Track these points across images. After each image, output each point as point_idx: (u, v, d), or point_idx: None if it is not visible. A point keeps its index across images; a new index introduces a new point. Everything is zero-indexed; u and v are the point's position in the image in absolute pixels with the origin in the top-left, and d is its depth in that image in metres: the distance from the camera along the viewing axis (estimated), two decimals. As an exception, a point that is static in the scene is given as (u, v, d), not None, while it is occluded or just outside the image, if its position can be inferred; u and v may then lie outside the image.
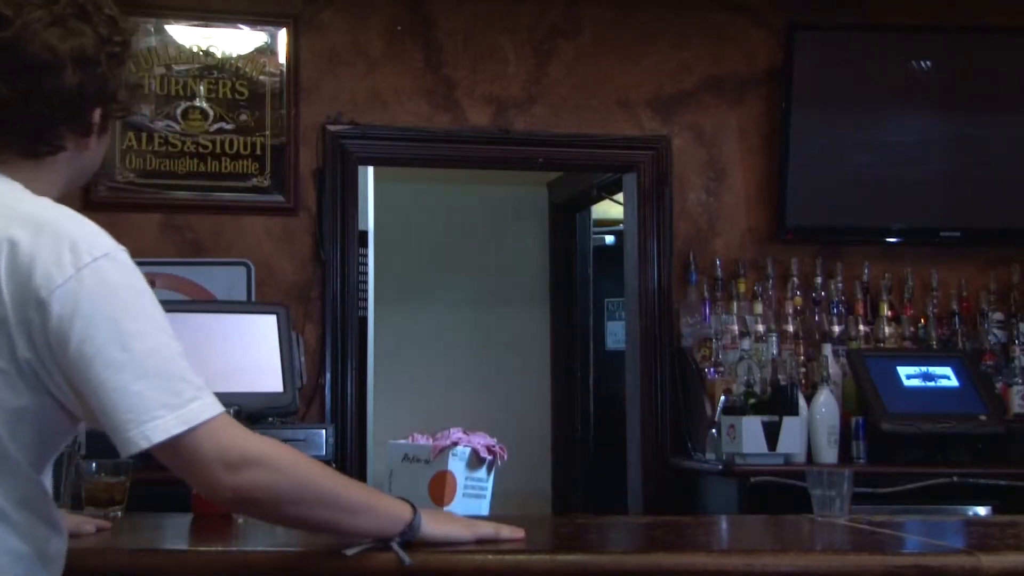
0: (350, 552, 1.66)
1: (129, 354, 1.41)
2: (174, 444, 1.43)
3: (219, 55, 4.26)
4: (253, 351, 3.79)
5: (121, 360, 1.41)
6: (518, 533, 1.83)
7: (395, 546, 1.65)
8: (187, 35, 4.25)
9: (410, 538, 1.66)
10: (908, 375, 4.00)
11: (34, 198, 1.50)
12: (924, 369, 4.01)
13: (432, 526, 1.70)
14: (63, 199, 1.55)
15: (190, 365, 1.46)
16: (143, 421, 1.41)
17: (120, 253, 1.46)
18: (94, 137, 1.58)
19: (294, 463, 1.53)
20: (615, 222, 5.77)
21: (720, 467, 3.83)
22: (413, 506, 1.68)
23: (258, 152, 4.26)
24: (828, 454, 3.85)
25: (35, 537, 1.47)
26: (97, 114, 1.56)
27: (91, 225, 1.47)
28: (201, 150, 4.23)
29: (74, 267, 1.41)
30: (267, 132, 4.27)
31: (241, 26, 4.29)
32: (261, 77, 4.28)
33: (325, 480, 1.57)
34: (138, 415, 1.41)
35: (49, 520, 1.51)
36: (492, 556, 1.73)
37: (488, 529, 1.80)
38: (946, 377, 4.02)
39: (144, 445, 1.41)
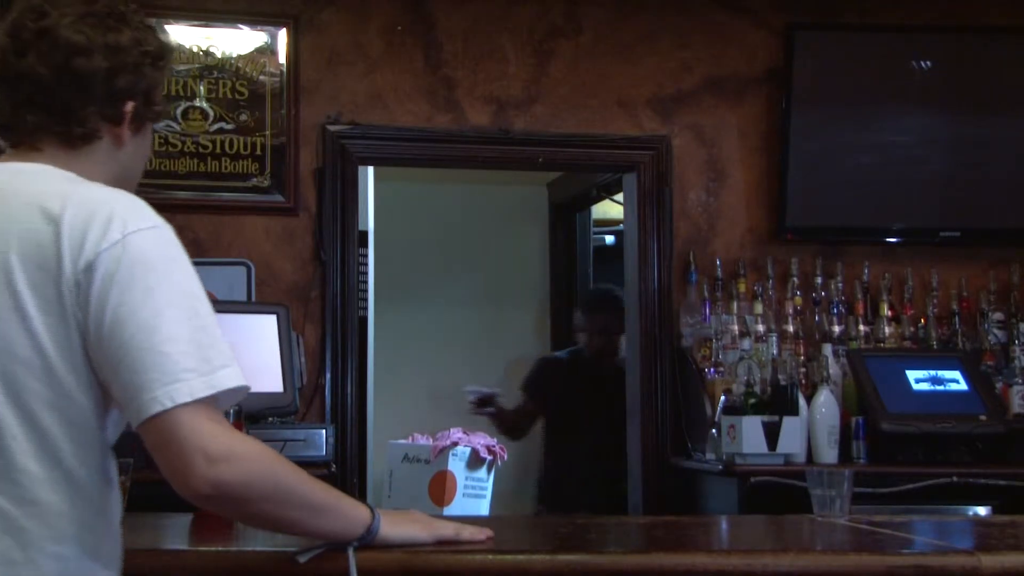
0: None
1: (161, 319, 1.47)
2: (172, 419, 1.45)
3: (219, 55, 4.26)
4: (253, 351, 3.79)
5: (153, 323, 1.47)
6: (481, 534, 1.79)
7: (350, 555, 1.62)
8: (187, 35, 4.25)
9: (368, 541, 1.64)
10: (917, 379, 4.00)
11: (88, 182, 1.59)
12: (933, 373, 4.01)
13: (390, 528, 1.67)
14: None
15: (222, 337, 1.53)
16: (169, 382, 1.45)
17: (166, 229, 1.56)
18: (128, 131, 1.65)
19: (268, 460, 1.54)
20: (615, 222, 5.76)
21: (720, 467, 3.82)
22: (371, 508, 1.67)
23: (258, 152, 4.26)
24: (828, 454, 3.85)
25: (95, 495, 1.53)
26: (130, 106, 1.64)
27: (142, 203, 1.57)
28: (201, 150, 4.23)
29: (121, 233, 1.50)
30: (267, 132, 4.27)
31: (241, 26, 4.29)
32: (261, 77, 4.28)
33: (294, 478, 1.56)
34: (164, 375, 1.45)
35: (108, 476, 1.56)
36: (492, 556, 1.73)
37: (448, 530, 1.78)
38: (955, 381, 4.01)
39: (168, 405, 1.44)
